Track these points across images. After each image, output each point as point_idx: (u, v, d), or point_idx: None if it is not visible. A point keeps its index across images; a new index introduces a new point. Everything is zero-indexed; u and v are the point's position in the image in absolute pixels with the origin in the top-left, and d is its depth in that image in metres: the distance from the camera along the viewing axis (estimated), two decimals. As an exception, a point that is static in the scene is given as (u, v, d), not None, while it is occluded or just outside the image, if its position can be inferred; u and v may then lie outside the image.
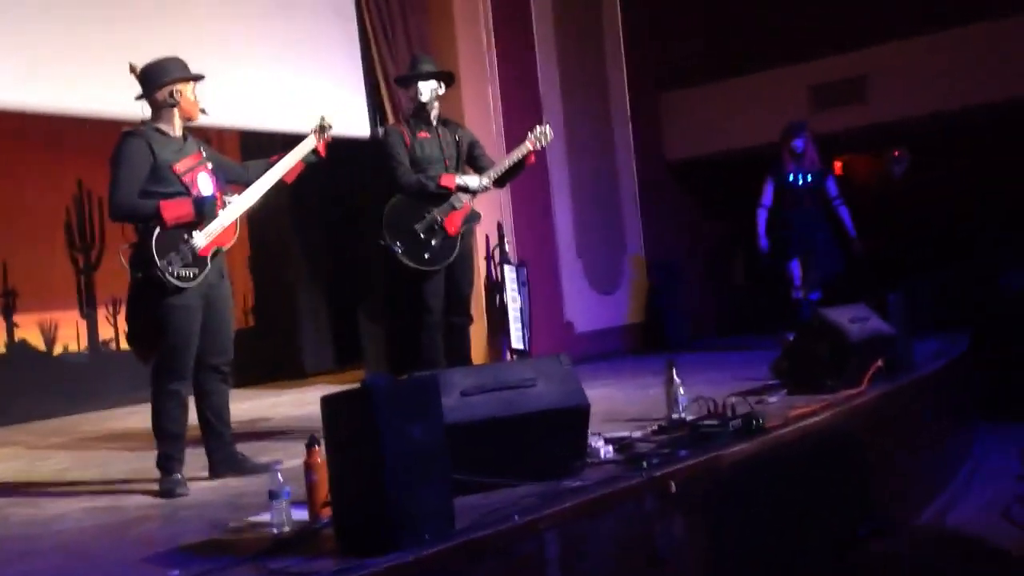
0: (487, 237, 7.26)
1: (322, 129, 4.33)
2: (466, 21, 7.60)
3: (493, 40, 7.73)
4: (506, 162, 5.07)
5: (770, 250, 7.31)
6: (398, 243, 4.79)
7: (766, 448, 3.76)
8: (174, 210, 3.81)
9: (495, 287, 7.23)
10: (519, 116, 7.54)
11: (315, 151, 4.32)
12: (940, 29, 8.25)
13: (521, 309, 7.20)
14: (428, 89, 4.99)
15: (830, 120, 8.69)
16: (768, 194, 7.25)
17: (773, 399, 4.70)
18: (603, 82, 8.98)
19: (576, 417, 3.33)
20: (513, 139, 7.65)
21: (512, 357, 6.93)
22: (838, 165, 10.15)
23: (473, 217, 5.03)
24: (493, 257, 7.30)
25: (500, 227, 7.29)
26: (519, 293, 7.22)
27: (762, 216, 7.26)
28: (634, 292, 8.96)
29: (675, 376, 4.19)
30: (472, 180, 4.96)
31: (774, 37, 8.92)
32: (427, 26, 7.40)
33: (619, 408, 4.83)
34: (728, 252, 10.08)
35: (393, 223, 4.84)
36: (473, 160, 5.12)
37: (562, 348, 5.90)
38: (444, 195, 4.91)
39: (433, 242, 4.83)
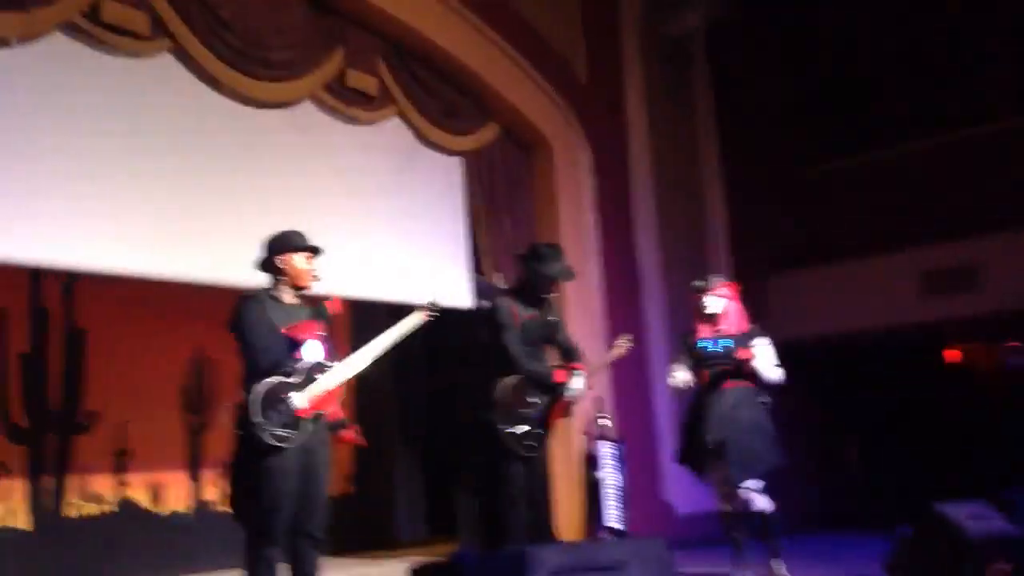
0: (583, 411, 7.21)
1: (430, 308, 4.34)
2: (570, 201, 7.82)
3: (596, 220, 7.92)
4: (600, 364, 5.44)
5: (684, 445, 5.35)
6: (506, 425, 4.85)
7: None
8: None
9: (591, 462, 7.11)
10: (621, 295, 7.62)
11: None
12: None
13: (619, 487, 7.03)
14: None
15: (941, 308, 8.48)
16: (680, 370, 5.25)
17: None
18: (704, 264, 9.04)
19: (671, 605, 3.20)
20: (615, 317, 7.74)
21: (606, 536, 6.72)
22: (953, 354, 9.78)
23: (568, 412, 5.24)
24: (590, 432, 7.22)
25: (599, 402, 7.24)
26: (616, 470, 7.07)
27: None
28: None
29: (782, 570, 3.98)
30: (578, 383, 5.06)
31: (884, 222, 8.88)
32: (531, 204, 7.64)
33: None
34: (838, 438, 9.70)
35: (504, 403, 4.91)
36: (558, 345, 5.22)
37: (660, 530, 5.69)
38: (553, 387, 5.03)
39: (536, 430, 4.93)
